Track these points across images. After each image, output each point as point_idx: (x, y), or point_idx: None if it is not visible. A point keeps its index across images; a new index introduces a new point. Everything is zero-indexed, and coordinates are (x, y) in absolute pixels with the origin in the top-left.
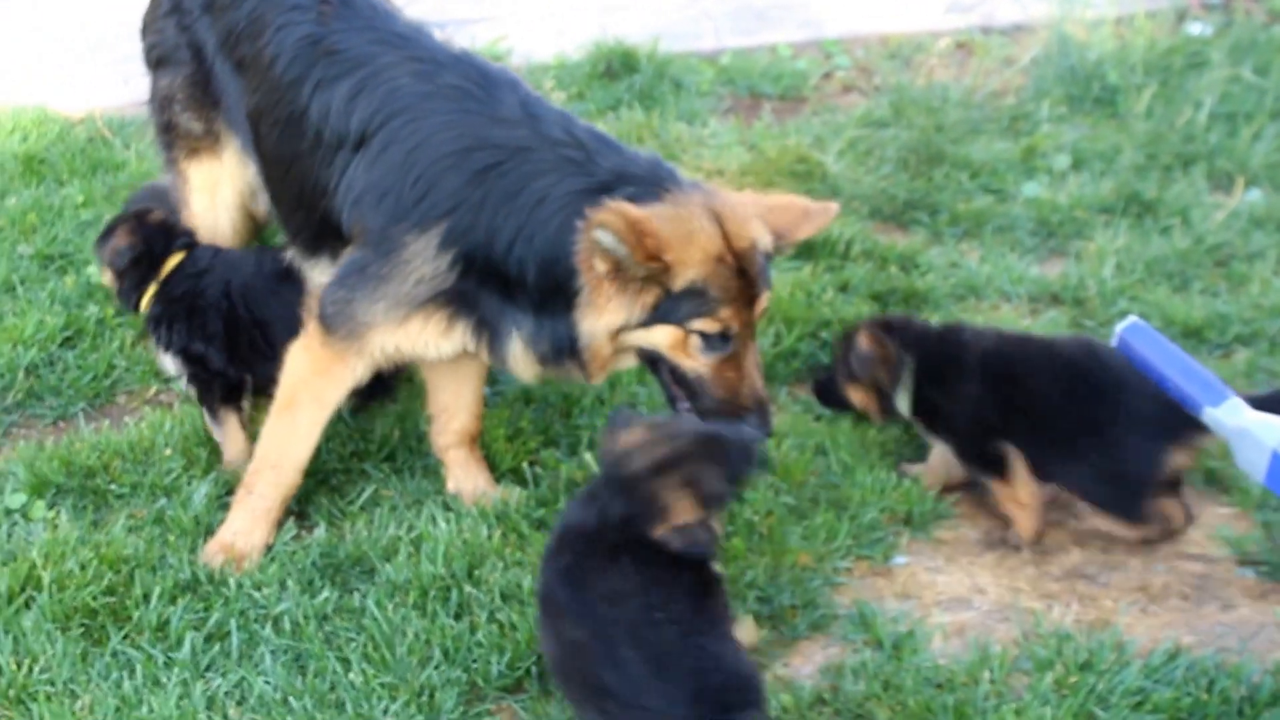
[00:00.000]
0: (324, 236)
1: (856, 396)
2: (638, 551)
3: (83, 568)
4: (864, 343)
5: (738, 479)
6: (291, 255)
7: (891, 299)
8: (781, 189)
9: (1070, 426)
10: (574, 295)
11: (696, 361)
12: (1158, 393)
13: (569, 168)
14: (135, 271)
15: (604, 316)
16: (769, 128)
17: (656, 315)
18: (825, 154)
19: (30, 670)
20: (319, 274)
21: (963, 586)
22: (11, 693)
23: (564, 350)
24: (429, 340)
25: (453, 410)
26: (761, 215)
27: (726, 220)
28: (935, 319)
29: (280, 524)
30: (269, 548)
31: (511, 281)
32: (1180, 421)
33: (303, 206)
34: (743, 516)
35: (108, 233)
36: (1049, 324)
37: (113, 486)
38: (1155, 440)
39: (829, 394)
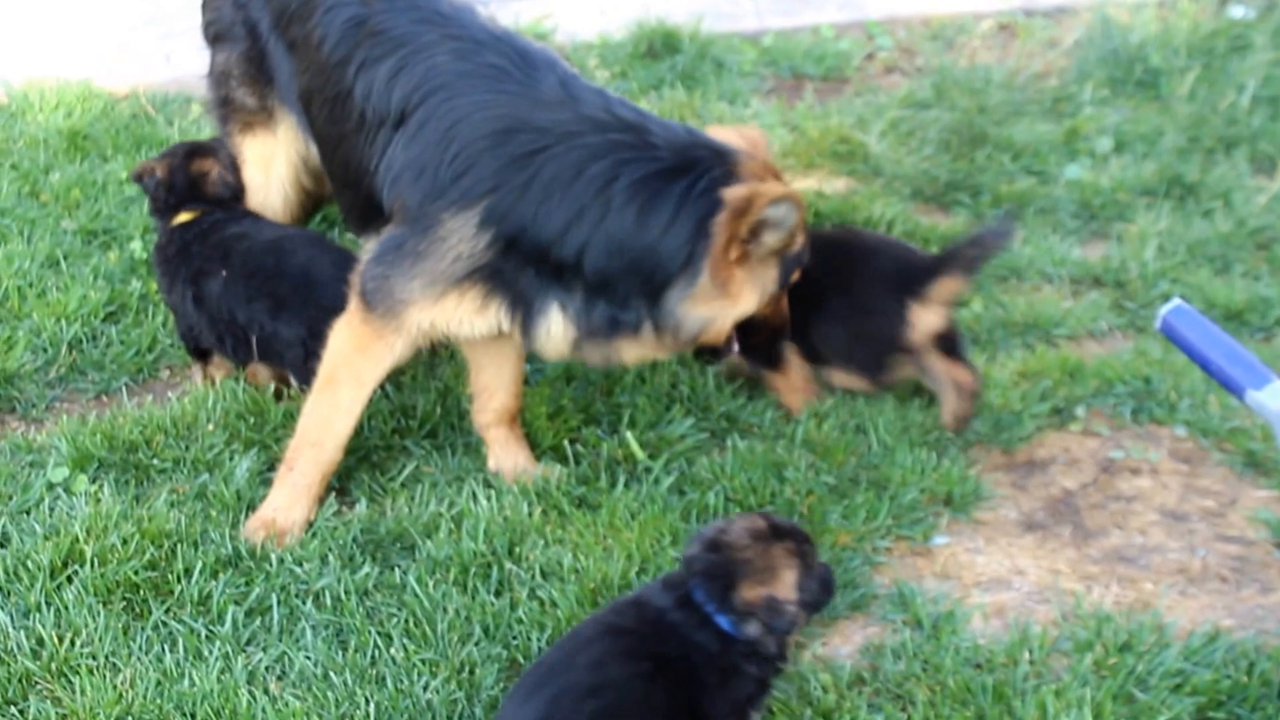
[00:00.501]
0: (370, 215)
1: None
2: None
3: (125, 542)
4: None
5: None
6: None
7: None
8: (823, 170)
9: (826, 297)
10: (667, 281)
11: (779, 308)
12: (903, 256)
13: (627, 152)
14: (157, 203)
15: (739, 304)
16: (811, 108)
17: (778, 286)
18: (867, 135)
19: (72, 644)
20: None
21: (1002, 568)
22: (54, 666)
23: (616, 332)
24: (463, 317)
25: (493, 389)
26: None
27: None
28: (975, 303)
29: (321, 500)
30: (310, 524)
31: (560, 263)
32: (919, 279)
33: (349, 185)
34: (783, 495)
35: (164, 154)
36: (1090, 306)
37: (155, 461)
38: (897, 300)
39: None
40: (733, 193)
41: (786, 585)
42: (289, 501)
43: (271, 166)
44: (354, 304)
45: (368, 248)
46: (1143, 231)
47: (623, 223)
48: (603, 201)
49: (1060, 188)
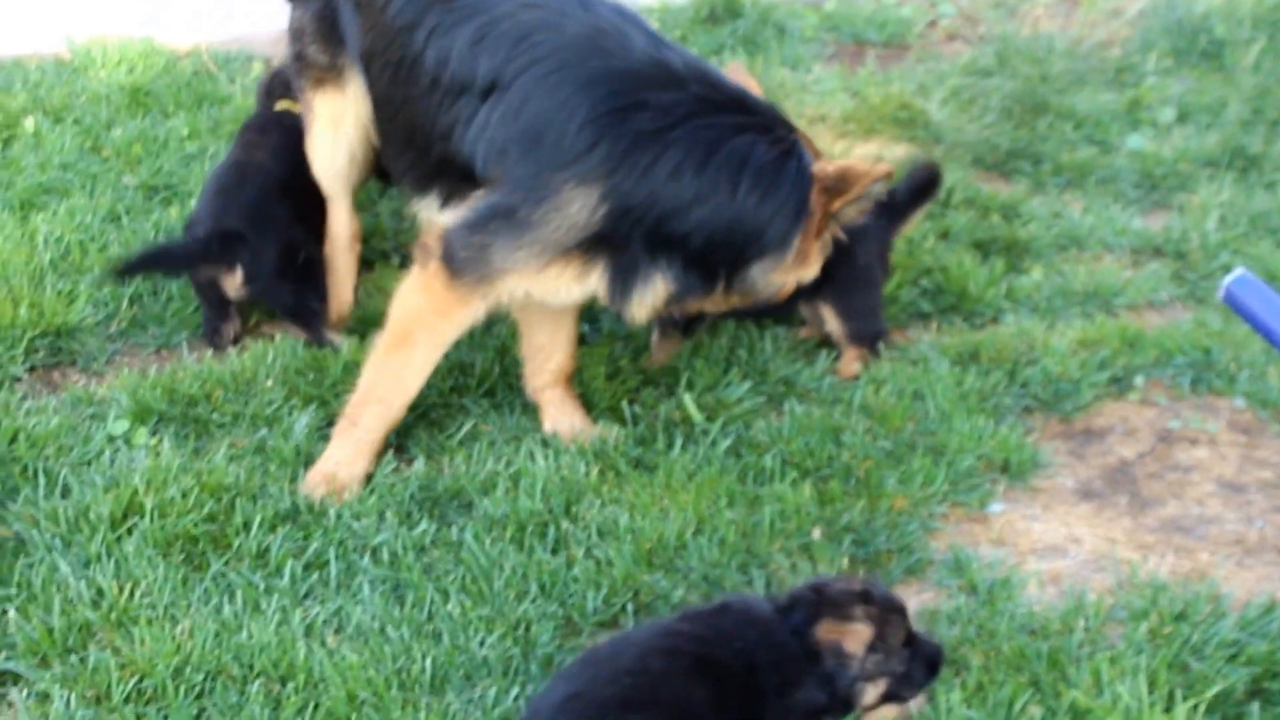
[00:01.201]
0: (436, 177)
1: None
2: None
3: (184, 495)
4: None
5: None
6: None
7: (993, 248)
8: (884, 136)
9: None
10: (760, 255)
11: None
12: None
13: (751, 134)
14: None
15: (810, 269)
16: (872, 75)
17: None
18: (929, 102)
19: (132, 595)
20: (426, 211)
21: (1058, 535)
22: (113, 616)
23: (694, 294)
24: (562, 285)
25: (549, 350)
26: None
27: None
28: (1036, 271)
29: (380, 456)
30: (369, 478)
31: (671, 236)
32: None
33: (413, 147)
34: (840, 460)
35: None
36: (1151, 276)
37: (214, 415)
38: None
39: None
40: (828, 173)
41: (857, 641)
42: (350, 456)
43: (340, 125)
44: (435, 267)
45: (425, 206)
46: (1204, 202)
47: (747, 204)
48: (731, 184)
49: (1122, 157)
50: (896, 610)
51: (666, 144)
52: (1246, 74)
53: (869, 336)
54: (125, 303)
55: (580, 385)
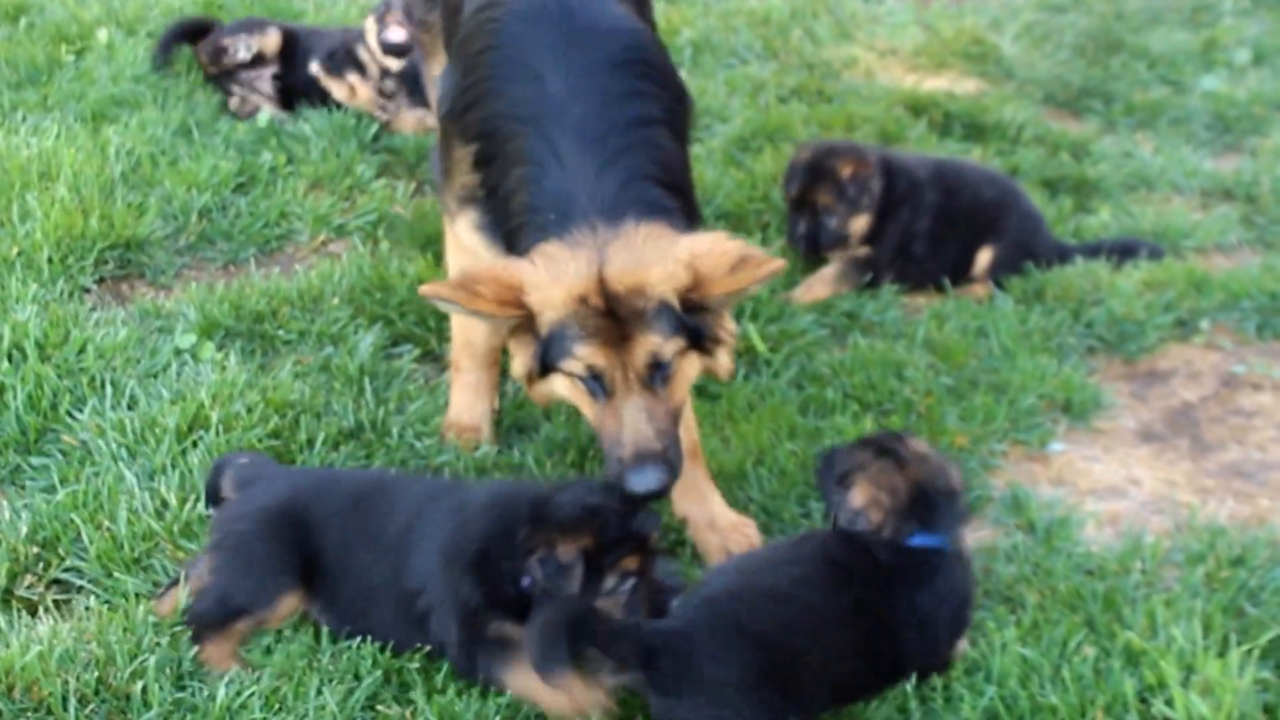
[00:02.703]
0: None
1: None
2: None
3: (249, 410)
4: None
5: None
6: None
7: (1061, 186)
8: (955, 70)
9: None
10: None
11: (588, 409)
12: None
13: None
14: None
15: (515, 364)
16: (945, 8)
17: (543, 361)
18: (1001, 37)
19: (195, 506)
20: None
21: (1118, 477)
22: (176, 527)
23: None
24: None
25: None
26: (687, 259)
27: (612, 261)
28: (1104, 211)
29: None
30: (497, 414)
31: None
32: None
33: None
34: (901, 395)
35: None
36: (1219, 219)
37: (280, 332)
38: None
39: None
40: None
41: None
42: (468, 399)
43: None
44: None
45: None
46: (1277, 146)
47: None
48: None
49: (1195, 98)
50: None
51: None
52: None
53: None
54: (194, 217)
55: None
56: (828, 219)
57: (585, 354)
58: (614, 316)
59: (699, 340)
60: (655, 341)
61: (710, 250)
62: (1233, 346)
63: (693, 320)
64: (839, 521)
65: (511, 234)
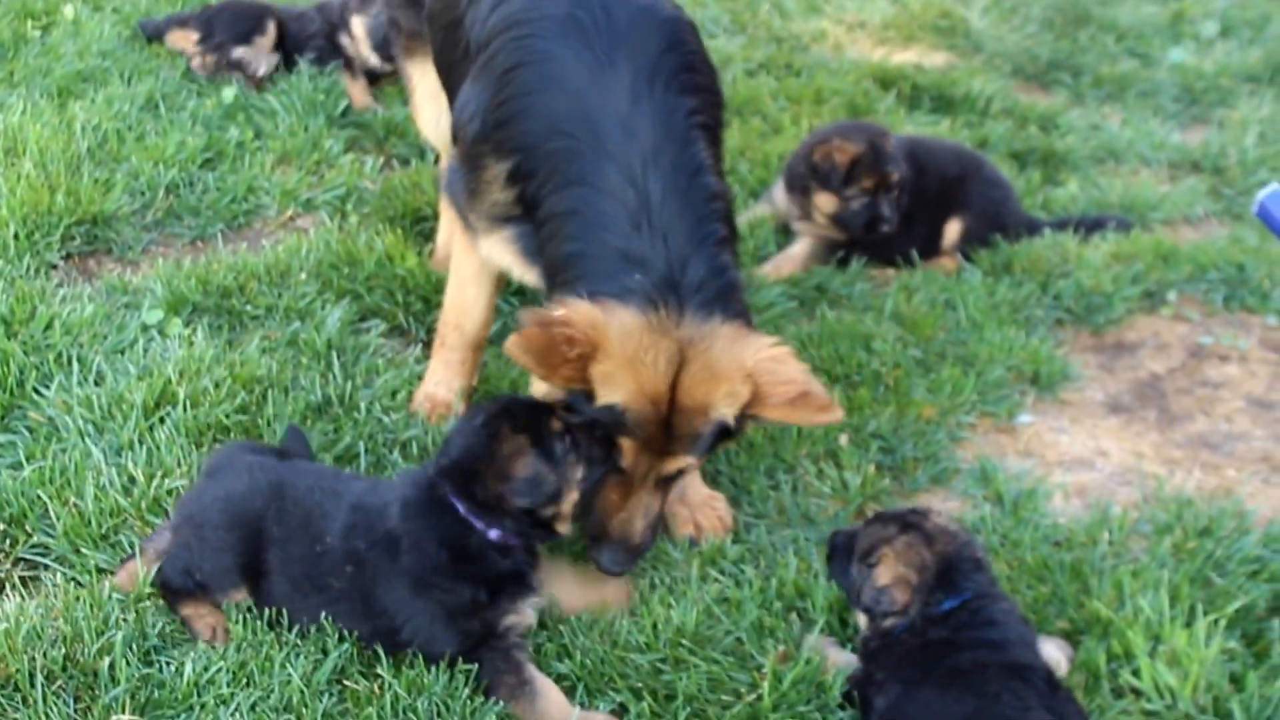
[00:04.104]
0: None
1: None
2: None
3: (217, 385)
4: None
5: None
6: None
7: (1030, 159)
8: (923, 44)
9: None
10: None
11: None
12: None
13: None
14: None
15: (540, 386)
16: None
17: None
18: (969, 10)
19: (163, 482)
20: None
21: (1086, 448)
22: (144, 504)
23: None
24: (499, 256)
25: None
26: (751, 372)
27: (689, 368)
28: (1072, 184)
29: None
30: (471, 391)
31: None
32: None
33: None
34: (870, 367)
35: None
36: (1187, 191)
37: (248, 307)
38: None
39: None
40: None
41: None
42: (447, 375)
43: (439, 96)
44: (451, 208)
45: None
46: (1244, 118)
47: None
48: None
49: (1163, 71)
50: None
51: (571, 152)
52: None
53: None
54: (161, 192)
55: None
56: (888, 200)
57: (624, 449)
58: (668, 428)
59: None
60: (691, 461)
61: (776, 372)
62: (1200, 318)
63: (733, 425)
64: (863, 601)
65: (561, 261)
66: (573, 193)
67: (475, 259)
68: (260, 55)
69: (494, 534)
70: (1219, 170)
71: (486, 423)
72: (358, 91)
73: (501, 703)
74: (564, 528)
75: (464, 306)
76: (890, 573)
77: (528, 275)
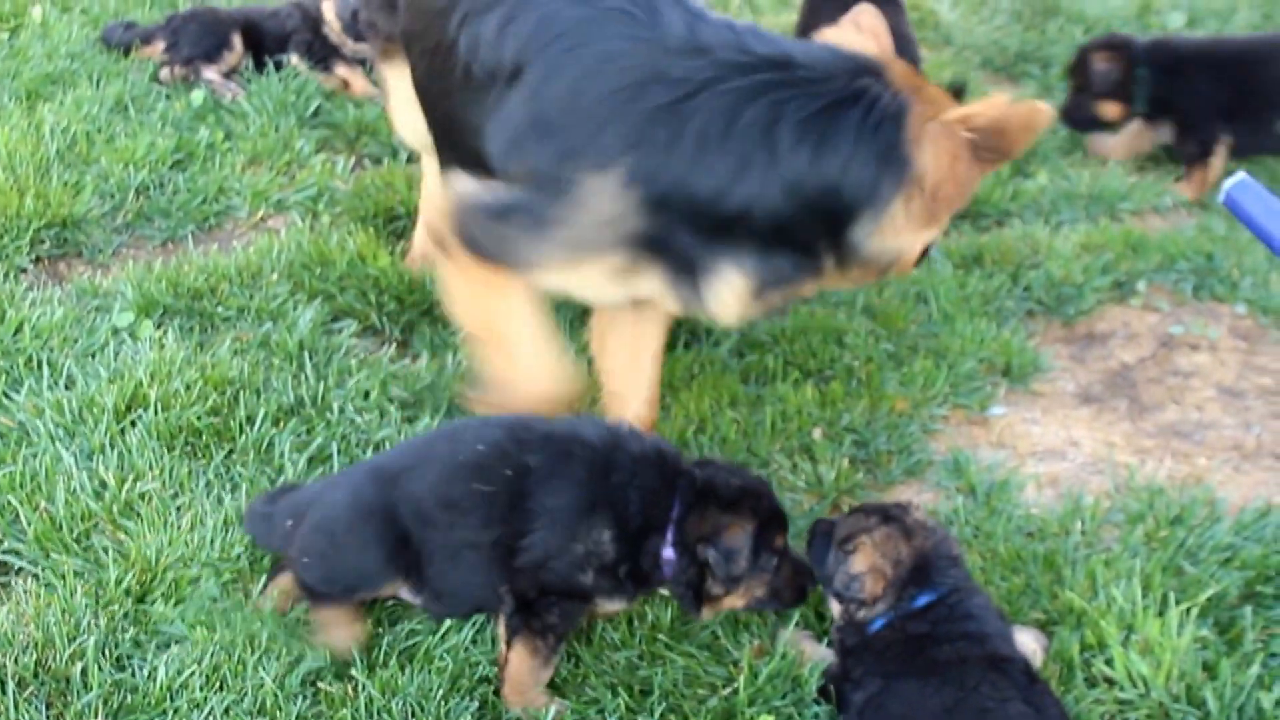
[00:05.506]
0: (475, 167)
1: (1106, 109)
2: None
3: (188, 388)
4: (1101, 62)
5: None
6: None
7: None
8: None
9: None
10: (851, 218)
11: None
12: None
13: (781, 91)
14: None
15: (934, 226)
16: None
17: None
18: (939, 2)
19: (134, 486)
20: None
21: (1058, 439)
22: (115, 507)
23: (798, 276)
24: (606, 287)
25: (625, 395)
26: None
27: None
28: (1042, 175)
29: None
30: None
31: (724, 219)
32: None
33: (451, 141)
34: (842, 361)
35: None
36: (1154, 183)
37: (219, 309)
38: None
39: (1079, 116)
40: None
41: None
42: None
43: (415, 101)
44: (460, 255)
45: (474, 191)
46: None
47: (795, 165)
48: (767, 147)
49: None
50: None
51: (684, 116)
52: None
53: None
54: (132, 194)
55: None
56: None
57: None
58: None
59: None
60: None
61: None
62: (1169, 307)
63: None
64: (835, 586)
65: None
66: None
67: (506, 291)
68: (228, 85)
69: (668, 553)
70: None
71: (749, 491)
72: (358, 80)
73: (506, 647)
74: (708, 610)
75: (546, 371)
76: (865, 561)
77: (669, 299)
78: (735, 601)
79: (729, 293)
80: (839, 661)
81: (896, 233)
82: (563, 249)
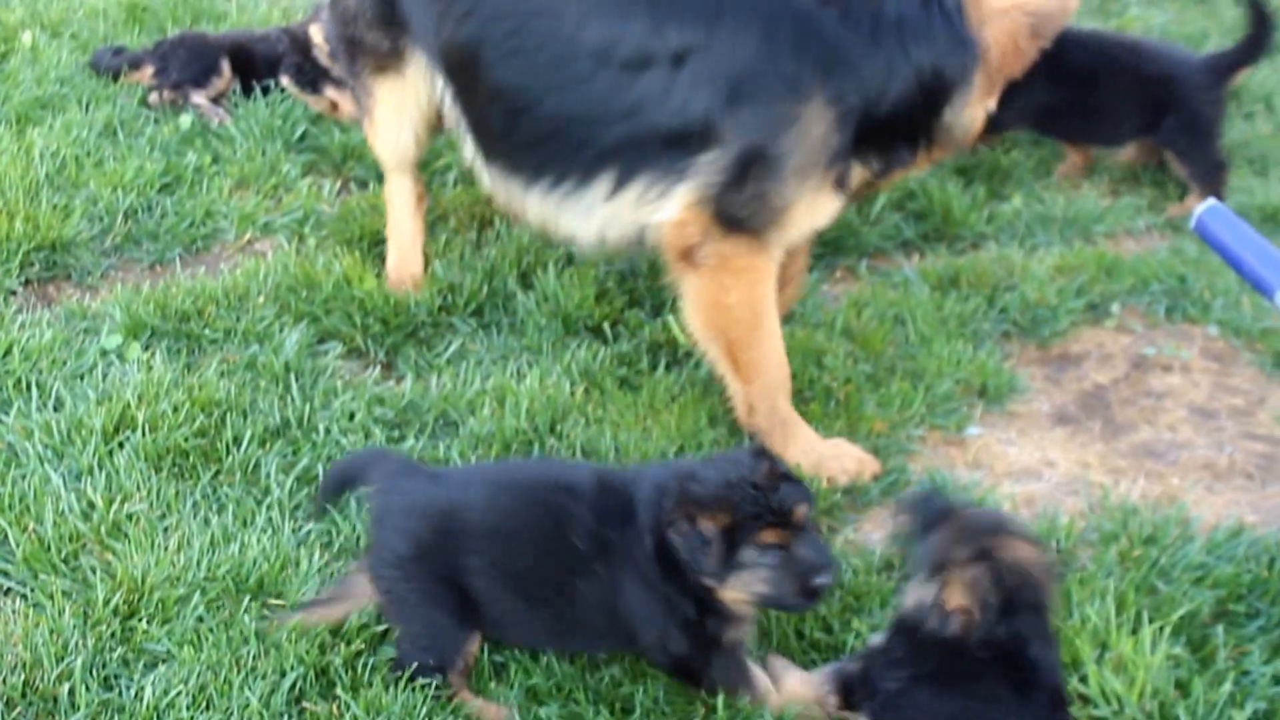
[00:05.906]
0: (606, 162)
1: None
2: None
3: (175, 409)
4: None
5: None
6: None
7: (975, 174)
8: None
9: None
10: (949, 95)
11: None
12: None
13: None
14: None
15: (991, 97)
16: None
17: None
18: None
19: (122, 507)
20: (569, 203)
21: (1033, 459)
22: (103, 528)
23: (899, 164)
24: (827, 205)
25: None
26: None
27: None
28: (1017, 198)
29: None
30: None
31: (876, 117)
32: None
33: (563, 138)
34: (821, 383)
35: None
36: (1128, 205)
37: (206, 331)
38: None
39: None
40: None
41: None
42: (785, 441)
43: (404, 109)
44: (726, 247)
45: (705, 166)
46: None
47: (935, 49)
48: (900, 47)
49: None
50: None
51: (832, 34)
52: (1228, 5)
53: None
54: (120, 218)
55: (568, 306)
56: None
57: None
58: None
59: None
60: None
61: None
62: (1143, 329)
63: None
64: (911, 609)
65: None
66: None
67: (764, 282)
68: (216, 110)
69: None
70: (1159, 184)
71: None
72: (346, 102)
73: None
74: (730, 632)
75: (772, 356)
76: (956, 602)
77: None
78: (737, 597)
79: (854, 183)
80: (861, 667)
81: (973, 107)
82: (797, 179)
